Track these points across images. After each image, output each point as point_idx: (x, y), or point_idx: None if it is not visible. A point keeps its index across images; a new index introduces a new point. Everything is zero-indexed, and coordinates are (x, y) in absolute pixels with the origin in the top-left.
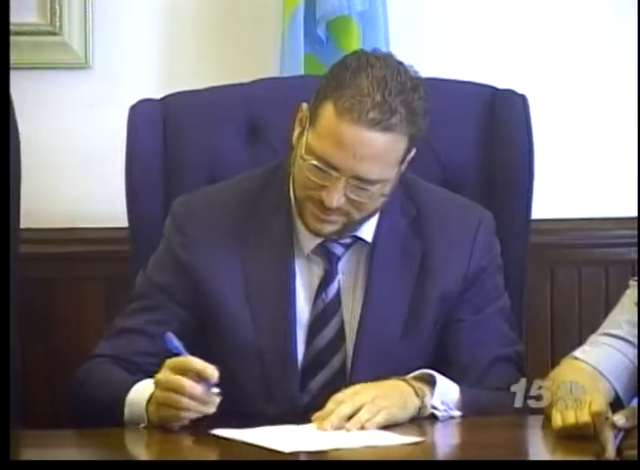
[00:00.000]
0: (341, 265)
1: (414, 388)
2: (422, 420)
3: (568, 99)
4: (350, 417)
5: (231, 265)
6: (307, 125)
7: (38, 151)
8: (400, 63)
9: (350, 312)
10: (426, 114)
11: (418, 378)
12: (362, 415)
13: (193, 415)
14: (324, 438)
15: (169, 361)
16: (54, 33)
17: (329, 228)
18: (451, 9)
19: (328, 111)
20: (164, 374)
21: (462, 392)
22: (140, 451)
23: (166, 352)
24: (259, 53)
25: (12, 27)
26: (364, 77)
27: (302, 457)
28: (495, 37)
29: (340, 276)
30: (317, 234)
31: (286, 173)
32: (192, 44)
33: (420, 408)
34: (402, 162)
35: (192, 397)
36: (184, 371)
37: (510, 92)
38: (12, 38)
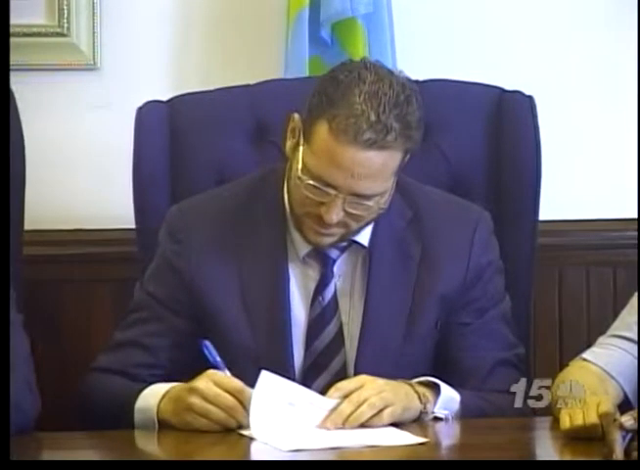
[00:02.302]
0: (336, 268)
1: (418, 393)
2: (428, 421)
3: (575, 100)
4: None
5: (226, 271)
6: (301, 140)
7: (46, 152)
8: (391, 71)
9: (349, 315)
10: (420, 124)
11: (422, 384)
12: (365, 412)
13: (219, 428)
14: (328, 434)
15: (213, 374)
16: (62, 34)
17: (328, 240)
18: (457, 10)
19: (322, 130)
20: (207, 385)
21: (463, 401)
22: (143, 452)
23: (166, 363)
24: (264, 55)
25: (20, 29)
26: (356, 94)
27: (302, 456)
28: (502, 38)
29: (336, 279)
30: (317, 246)
31: (279, 179)
32: (199, 46)
33: (421, 413)
34: (398, 172)
35: (234, 416)
36: (229, 391)
37: (517, 93)
38: (20, 39)
